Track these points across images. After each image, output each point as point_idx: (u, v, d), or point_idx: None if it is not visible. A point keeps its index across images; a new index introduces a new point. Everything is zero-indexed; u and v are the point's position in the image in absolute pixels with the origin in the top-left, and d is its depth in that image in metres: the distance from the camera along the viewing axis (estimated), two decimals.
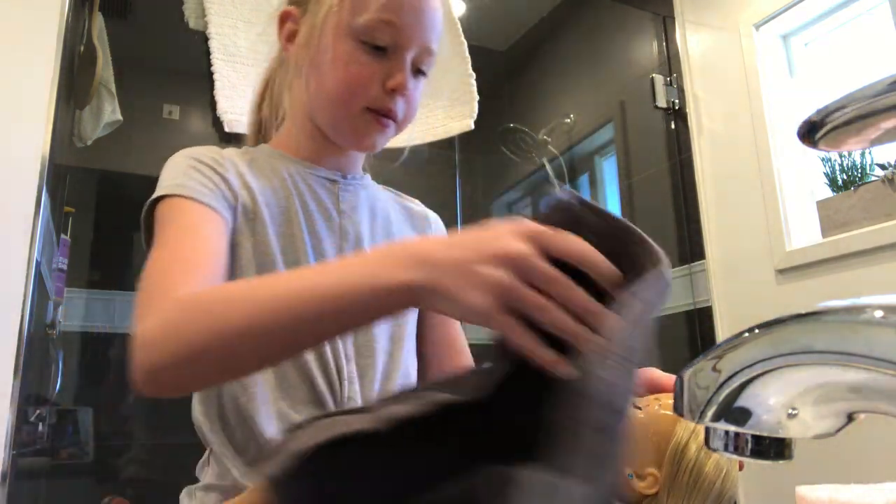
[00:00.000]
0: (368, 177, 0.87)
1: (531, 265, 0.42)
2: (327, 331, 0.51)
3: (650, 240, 0.45)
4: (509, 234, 0.43)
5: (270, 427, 0.68)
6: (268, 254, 0.71)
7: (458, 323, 0.86)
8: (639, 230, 0.45)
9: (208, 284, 0.60)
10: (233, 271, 0.69)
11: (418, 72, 0.75)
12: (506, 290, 0.42)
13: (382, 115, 0.74)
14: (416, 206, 0.91)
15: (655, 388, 0.63)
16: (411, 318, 0.83)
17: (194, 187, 0.69)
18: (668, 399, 0.61)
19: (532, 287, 0.42)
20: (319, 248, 0.75)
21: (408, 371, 0.78)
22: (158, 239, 0.65)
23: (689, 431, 0.59)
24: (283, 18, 0.79)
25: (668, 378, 0.64)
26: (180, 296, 0.55)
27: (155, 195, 0.69)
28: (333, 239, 0.76)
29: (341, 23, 0.71)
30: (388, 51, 0.72)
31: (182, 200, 0.67)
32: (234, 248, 0.71)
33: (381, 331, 0.77)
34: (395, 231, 0.84)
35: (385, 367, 0.75)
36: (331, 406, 0.70)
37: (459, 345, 0.86)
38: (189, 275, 0.59)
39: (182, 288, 0.57)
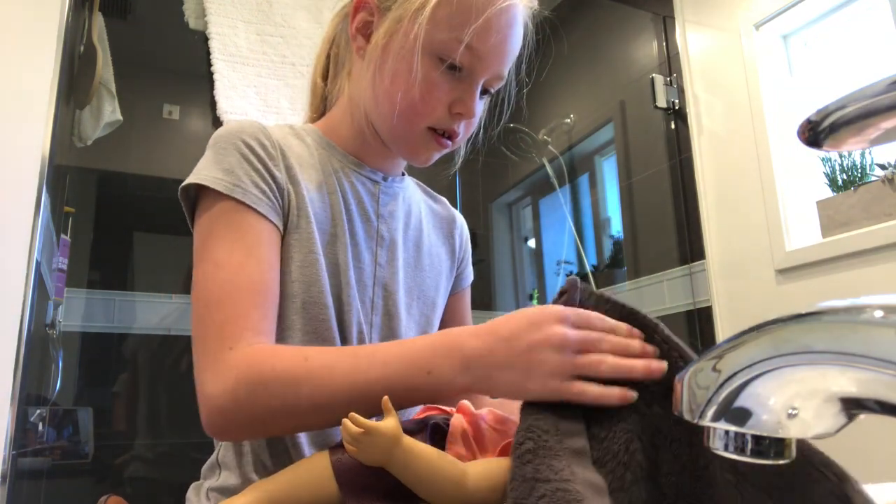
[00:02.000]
0: (407, 178, 0.86)
1: (574, 340, 0.52)
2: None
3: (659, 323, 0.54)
4: (543, 322, 0.53)
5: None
6: (312, 251, 0.70)
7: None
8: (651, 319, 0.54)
9: (270, 318, 0.65)
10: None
11: (485, 92, 0.75)
12: (566, 368, 0.52)
13: (443, 135, 0.74)
14: (444, 208, 0.92)
15: None
16: (435, 324, 0.84)
17: (249, 190, 0.67)
18: None
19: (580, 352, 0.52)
20: (357, 251, 0.75)
21: None
22: (213, 249, 0.65)
23: None
24: (360, 6, 0.75)
25: None
26: (250, 364, 0.59)
27: (202, 181, 0.67)
28: (369, 243, 0.77)
29: (425, 36, 0.69)
30: (462, 72, 0.71)
31: (237, 206, 0.66)
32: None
33: (410, 333, 0.78)
34: (425, 240, 0.84)
35: None
36: None
37: None
38: (252, 312, 0.63)
39: (249, 334, 0.61)
